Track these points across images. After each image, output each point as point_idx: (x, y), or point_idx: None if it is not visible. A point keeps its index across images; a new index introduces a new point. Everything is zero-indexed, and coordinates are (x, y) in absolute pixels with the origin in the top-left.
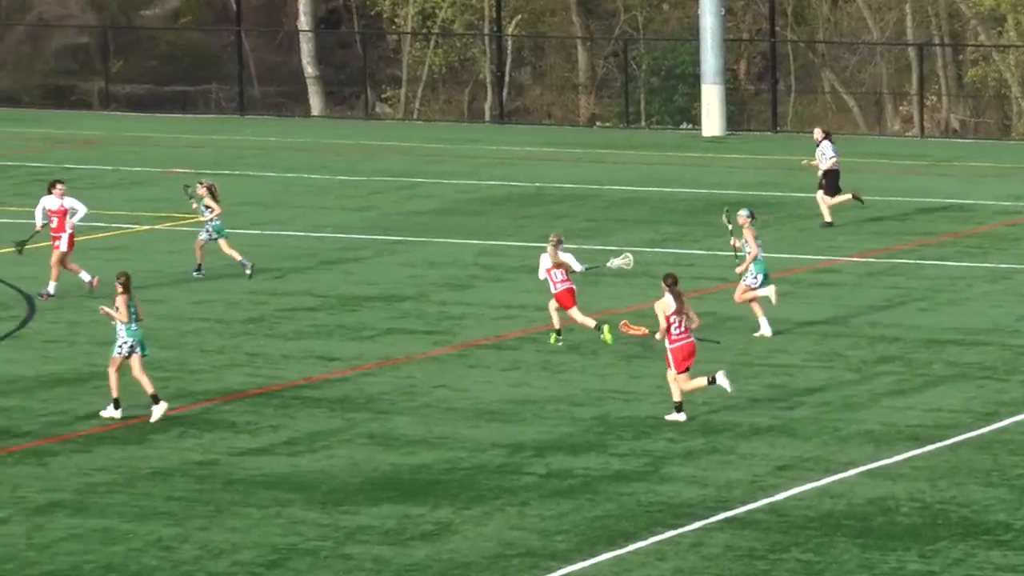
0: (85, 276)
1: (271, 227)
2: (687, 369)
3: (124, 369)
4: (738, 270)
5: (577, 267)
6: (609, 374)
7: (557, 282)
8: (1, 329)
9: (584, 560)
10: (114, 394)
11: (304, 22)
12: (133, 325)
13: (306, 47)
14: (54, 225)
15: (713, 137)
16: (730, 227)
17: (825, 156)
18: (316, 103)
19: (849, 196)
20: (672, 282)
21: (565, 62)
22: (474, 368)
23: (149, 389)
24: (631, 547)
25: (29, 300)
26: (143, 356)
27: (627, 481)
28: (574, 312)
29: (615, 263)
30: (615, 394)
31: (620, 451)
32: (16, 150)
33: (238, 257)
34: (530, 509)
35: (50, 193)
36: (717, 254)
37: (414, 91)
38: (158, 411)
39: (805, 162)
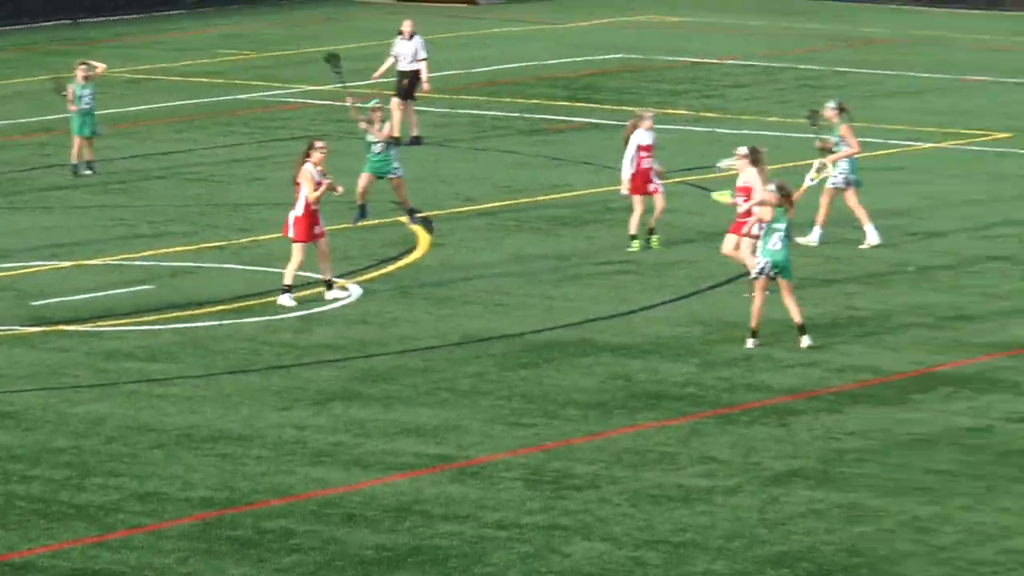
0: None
1: None
2: None
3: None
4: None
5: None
6: None
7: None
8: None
9: None
10: (753, 324)
11: None
12: (772, 242)
13: None
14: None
15: None
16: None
17: None
18: None
19: None
20: None
21: None
22: None
23: (797, 319)
24: None
25: None
26: (788, 280)
27: None
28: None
29: (725, 162)
30: None
31: None
32: (785, 49)
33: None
34: None
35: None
36: None
37: None
38: (805, 342)
39: None
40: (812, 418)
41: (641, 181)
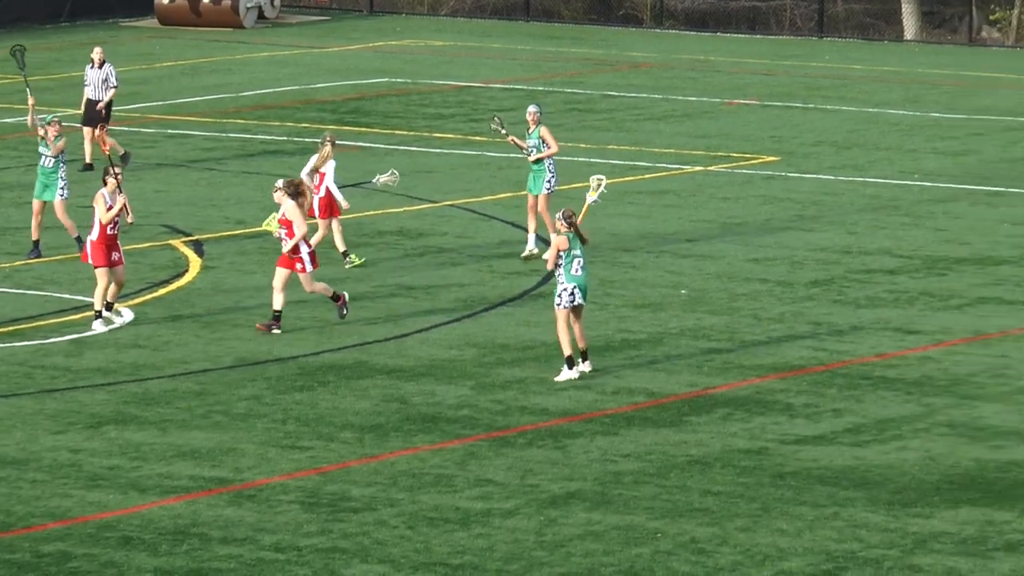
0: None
1: (846, 172)
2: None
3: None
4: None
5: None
6: None
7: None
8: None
9: None
10: (566, 352)
11: None
12: (573, 268)
13: None
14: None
15: None
16: (503, 131)
17: None
18: (910, 25)
19: None
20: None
21: None
22: None
23: (581, 343)
24: None
25: None
26: (582, 305)
27: None
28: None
29: (381, 179)
30: None
31: None
32: (551, 73)
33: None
34: None
35: None
36: None
37: None
38: (587, 367)
39: None
40: (588, 440)
41: (330, 201)
